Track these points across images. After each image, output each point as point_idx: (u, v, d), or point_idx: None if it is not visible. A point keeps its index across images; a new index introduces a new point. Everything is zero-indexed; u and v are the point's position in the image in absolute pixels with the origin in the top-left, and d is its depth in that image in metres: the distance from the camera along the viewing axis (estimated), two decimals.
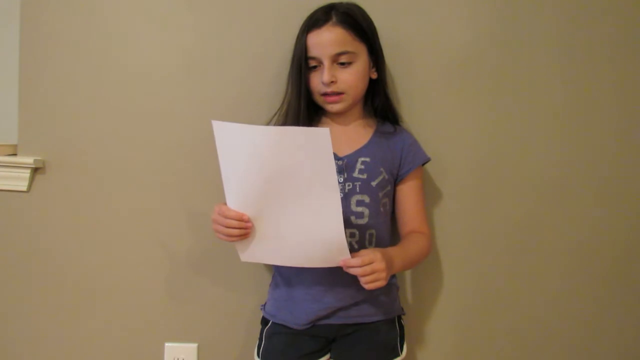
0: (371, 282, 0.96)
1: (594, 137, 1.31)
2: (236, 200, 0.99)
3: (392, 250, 1.05)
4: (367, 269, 0.96)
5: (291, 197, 0.94)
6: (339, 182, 1.10)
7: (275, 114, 1.18)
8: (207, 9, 1.27)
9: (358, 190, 1.10)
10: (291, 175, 0.92)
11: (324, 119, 1.18)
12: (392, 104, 1.20)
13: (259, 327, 1.18)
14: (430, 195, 1.29)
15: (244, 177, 0.96)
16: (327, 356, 1.14)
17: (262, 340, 1.16)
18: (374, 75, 1.16)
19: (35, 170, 1.28)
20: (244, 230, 0.99)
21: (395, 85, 1.26)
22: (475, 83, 1.29)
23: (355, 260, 0.96)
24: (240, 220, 0.98)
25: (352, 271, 0.97)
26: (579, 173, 1.31)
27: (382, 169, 1.12)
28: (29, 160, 1.26)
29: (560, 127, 1.30)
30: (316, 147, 0.88)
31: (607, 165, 1.31)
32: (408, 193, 1.16)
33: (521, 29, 1.28)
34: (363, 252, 0.99)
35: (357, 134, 1.16)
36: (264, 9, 1.27)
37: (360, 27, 1.10)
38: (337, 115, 1.16)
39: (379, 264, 0.96)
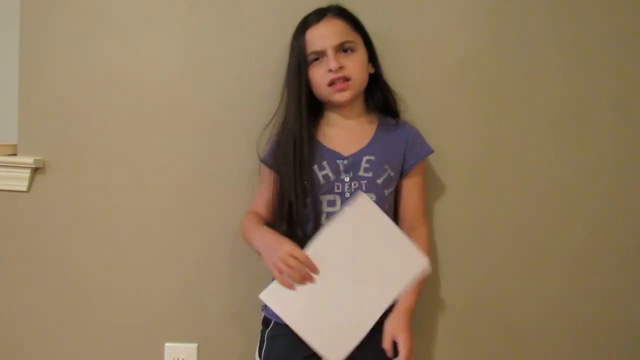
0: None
1: (594, 135, 1.30)
2: (313, 255, 1.04)
3: (408, 301, 1.07)
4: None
5: (354, 276, 1.04)
6: (345, 182, 1.11)
7: (272, 119, 1.19)
8: (207, 10, 1.28)
9: (364, 189, 1.11)
10: (363, 255, 1.04)
11: (327, 113, 1.19)
12: (392, 95, 1.22)
13: (259, 327, 1.18)
14: (430, 193, 1.29)
15: (334, 246, 1.05)
16: None
17: (263, 342, 1.15)
18: (371, 70, 1.18)
19: (35, 170, 1.28)
20: (303, 274, 1.03)
21: (394, 85, 1.26)
22: (475, 82, 1.29)
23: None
24: (307, 261, 1.03)
25: None
26: (580, 170, 1.31)
27: (386, 167, 1.13)
28: (29, 160, 1.26)
29: (560, 124, 1.30)
30: (365, 215, 1.04)
31: (609, 163, 1.31)
32: (412, 187, 1.18)
33: (520, 28, 1.28)
34: (399, 337, 1.03)
35: (362, 130, 1.17)
36: (263, 10, 1.27)
37: (355, 20, 1.15)
38: (340, 109, 1.17)
39: (413, 344, 1.03)
